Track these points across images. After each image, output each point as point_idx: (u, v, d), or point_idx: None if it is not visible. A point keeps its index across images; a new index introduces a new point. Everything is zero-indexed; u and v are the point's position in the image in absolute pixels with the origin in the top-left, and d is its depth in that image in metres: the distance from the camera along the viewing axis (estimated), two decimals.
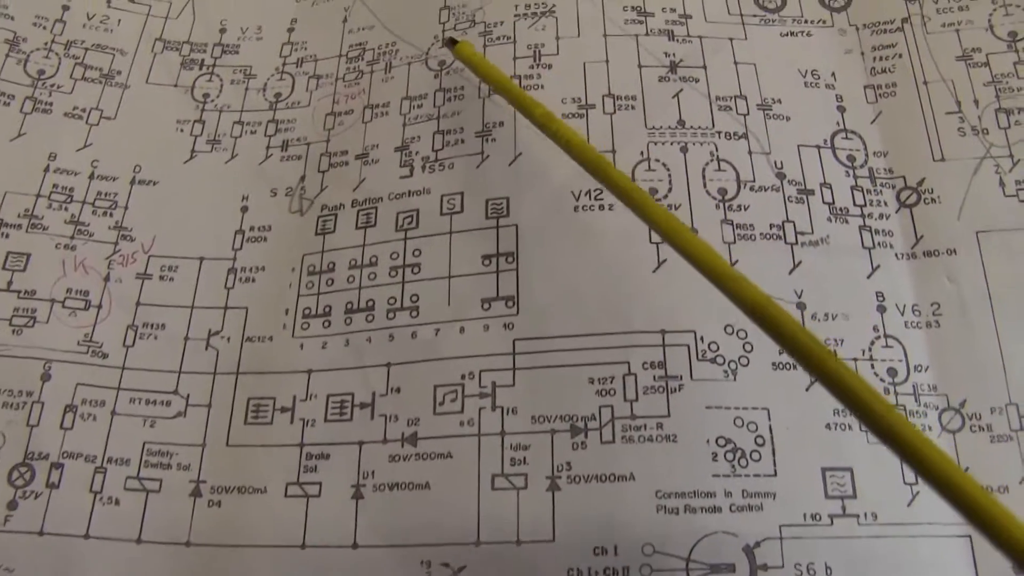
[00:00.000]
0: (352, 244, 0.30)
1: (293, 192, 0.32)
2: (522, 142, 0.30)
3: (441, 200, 0.30)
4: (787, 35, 0.33)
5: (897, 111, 0.31)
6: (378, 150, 0.32)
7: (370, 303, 0.29)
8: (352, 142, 0.32)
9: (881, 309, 0.28)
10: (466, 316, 0.28)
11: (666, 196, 0.29)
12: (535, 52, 0.32)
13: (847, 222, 0.29)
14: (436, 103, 0.32)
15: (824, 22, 0.33)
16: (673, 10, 0.33)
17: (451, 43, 0.31)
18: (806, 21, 0.33)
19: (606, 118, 0.30)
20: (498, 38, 0.32)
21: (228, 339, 0.30)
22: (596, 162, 0.24)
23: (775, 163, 0.30)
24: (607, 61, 0.31)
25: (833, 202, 0.29)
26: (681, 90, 0.31)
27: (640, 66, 0.31)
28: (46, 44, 0.34)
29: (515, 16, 0.33)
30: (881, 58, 0.32)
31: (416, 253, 0.29)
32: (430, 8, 0.34)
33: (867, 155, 0.30)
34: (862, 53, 0.32)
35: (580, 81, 0.31)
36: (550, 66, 0.31)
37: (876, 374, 0.27)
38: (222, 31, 0.36)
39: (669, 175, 0.29)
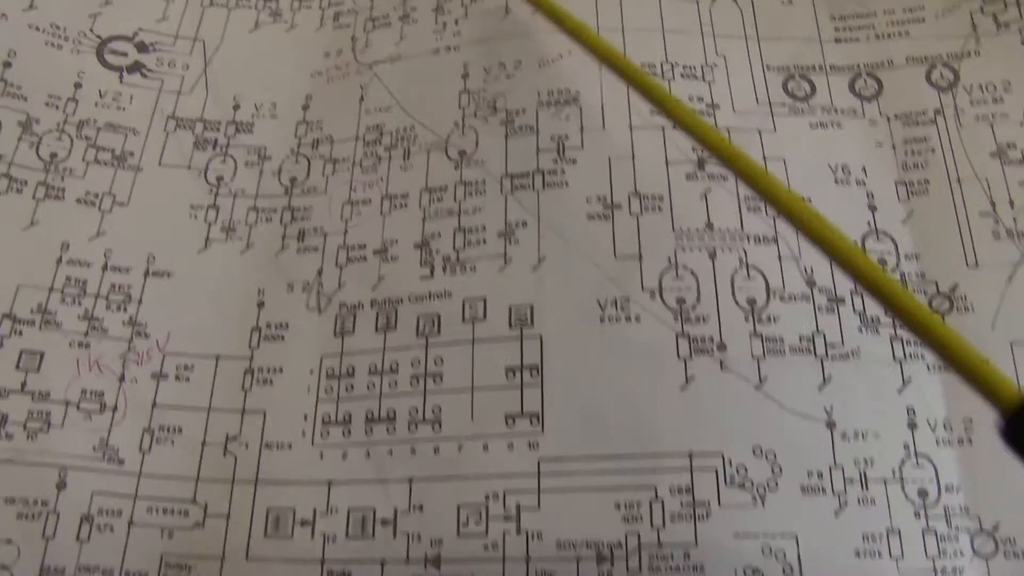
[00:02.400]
0: (372, 347, 0.30)
1: (310, 287, 0.31)
2: (546, 245, 0.30)
3: (463, 305, 0.29)
4: (817, 126, 0.32)
5: (930, 211, 0.30)
6: (397, 246, 0.31)
7: (391, 413, 0.28)
8: (370, 235, 0.31)
9: (912, 425, 0.27)
10: (490, 432, 0.27)
11: (694, 307, 0.28)
12: (559, 144, 0.31)
13: (878, 332, 0.28)
14: (456, 197, 0.31)
15: (855, 112, 0.32)
16: (700, 99, 0.32)
17: None
18: (836, 110, 0.32)
19: (632, 220, 0.30)
20: (520, 128, 0.31)
21: (246, 445, 0.29)
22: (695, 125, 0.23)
23: (805, 269, 0.29)
24: (633, 157, 0.31)
25: (864, 311, 0.29)
26: (709, 189, 0.30)
27: (667, 162, 0.30)
28: (58, 125, 0.33)
29: (538, 103, 0.32)
30: (913, 152, 0.31)
31: (438, 362, 0.29)
32: (449, 91, 0.33)
33: (899, 258, 0.30)
34: (893, 146, 0.32)
35: (606, 178, 0.30)
36: (575, 161, 0.31)
37: (906, 495, 0.27)
38: (235, 107, 0.35)
39: (697, 284, 0.29)
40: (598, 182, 0.30)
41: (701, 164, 0.30)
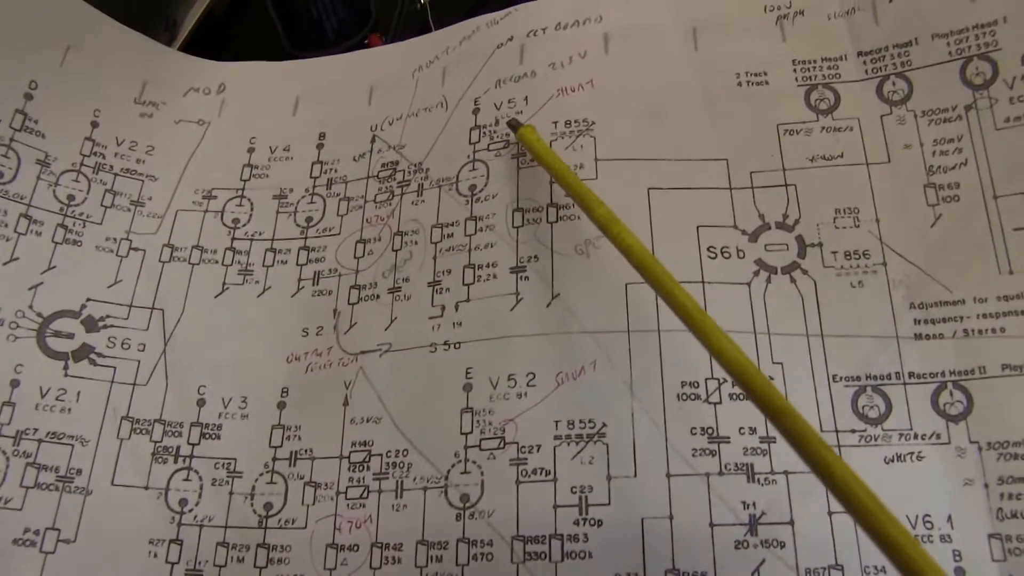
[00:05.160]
0: None
1: None
2: None
3: None
4: (892, 460, 0.26)
5: None
6: None
7: None
8: None
9: None
10: None
11: None
12: (581, 498, 0.26)
13: None
14: (459, 560, 0.26)
15: (938, 436, 0.26)
16: (753, 429, 0.26)
17: (514, 126, 0.29)
18: (916, 436, 0.26)
19: None
20: (535, 471, 0.26)
21: None
22: (655, 273, 0.22)
23: None
24: (671, 517, 0.25)
25: None
26: (763, 561, 0.25)
27: (712, 524, 0.25)
28: None
29: (555, 437, 0.26)
30: (1011, 496, 0.26)
31: None
32: (449, 408, 0.28)
33: None
34: (986, 485, 0.26)
35: (636, 549, 0.25)
36: (600, 522, 0.25)
37: None
38: (200, 403, 0.30)
39: None
40: (629, 553, 0.25)
41: (753, 527, 0.25)
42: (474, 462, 0.27)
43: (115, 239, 0.32)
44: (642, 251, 0.23)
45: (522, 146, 0.28)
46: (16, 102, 0.32)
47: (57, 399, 0.29)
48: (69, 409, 0.29)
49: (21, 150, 0.31)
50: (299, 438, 0.29)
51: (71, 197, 0.32)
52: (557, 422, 0.27)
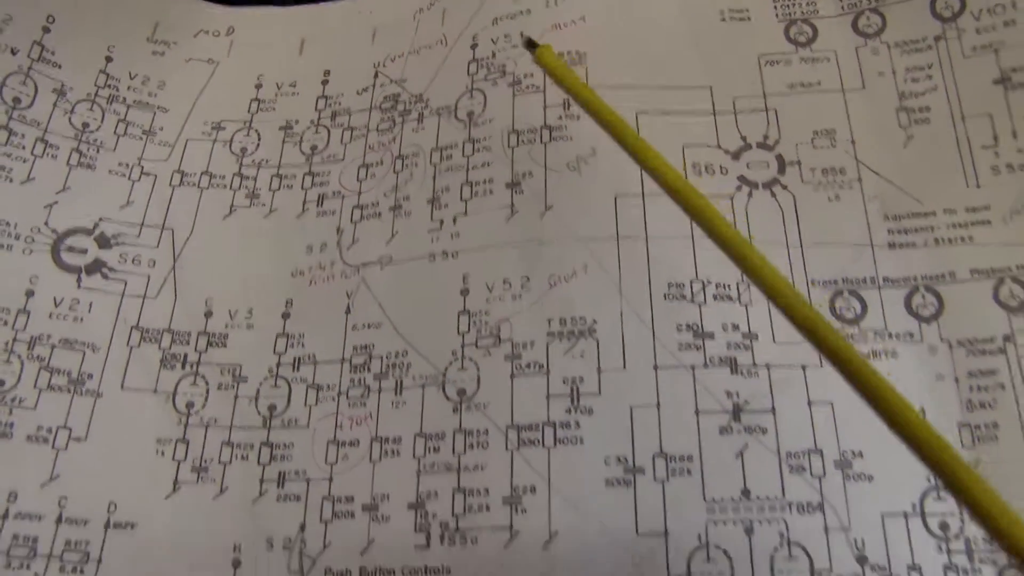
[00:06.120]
0: None
1: (292, 545, 0.27)
2: (558, 518, 0.26)
3: None
4: (869, 356, 0.28)
5: (1000, 462, 0.26)
6: (389, 503, 0.27)
7: None
8: (359, 486, 0.28)
9: None
10: None
11: None
12: (572, 388, 0.27)
13: None
14: (456, 448, 0.27)
15: (912, 336, 0.28)
16: (736, 327, 0.28)
17: (530, 45, 0.28)
18: (891, 335, 0.28)
19: (657, 487, 0.26)
20: (529, 365, 0.27)
21: None
22: (697, 208, 0.21)
23: (855, 542, 0.25)
24: (658, 405, 0.26)
25: None
26: (746, 446, 0.26)
27: (698, 412, 0.26)
28: (6, 345, 0.29)
29: (548, 335, 0.28)
30: (978, 388, 0.27)
31: None
32: (447, 311, 0.29)
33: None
34: (956, 379, 0.27)
35: (626, 435, 0.26)
36: (591, 410, 0.27)
37: None
38: (207, 315, 0.31)
39: (731, 567, 0.25)
40: (618, 439, 0.26)
41: (736, 414, 0.26)
42: (470, 359, 0.28)
43: (127, 164, 0.33)
44: (675, 177, 0.22)
45: (540, 65, 0.28)
46: (34, 34, 0.33)
47: (70, 308, 0.30)
48: (81, 319, 0.30)
49: (39, 79, 0.33)
50: (303, 345, 0.30)
51: (86, 124, 0.33)
52: (550, 320, 0.28)
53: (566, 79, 0.27)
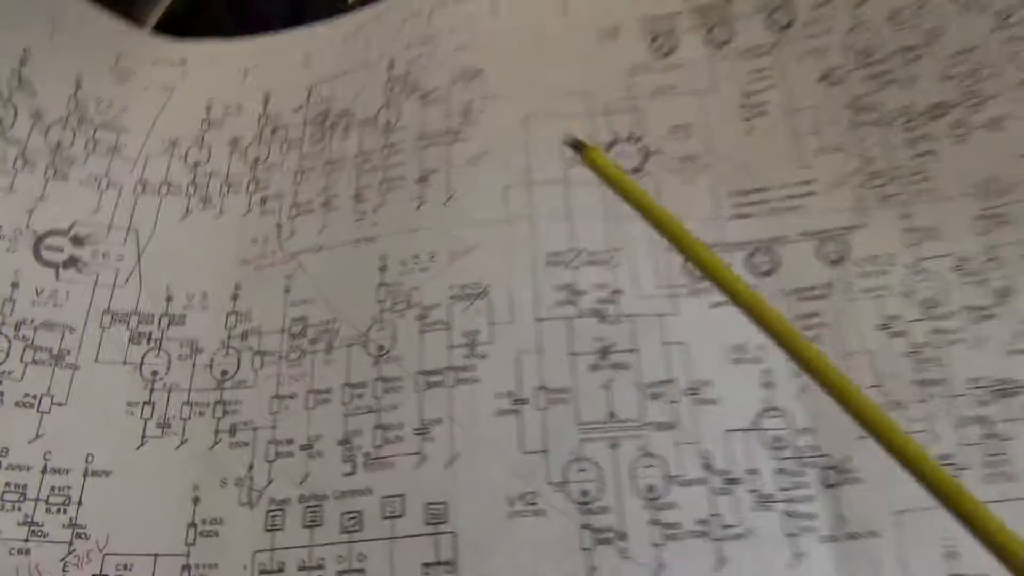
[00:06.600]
0: (300, 544, 0.31)
1: (243, 482, 0.33)
2: (459, 442, 0.31)
3: (382, 503, 0.31)
4: (716, 306, 0.34)
5: None
6: (322, 441, 0.33)
7: None
8: (297, 430, 0.33)
9: None
10: None
11: (599, 499, 0.30)
12: (471, 340, 0.33)
13: (771, 509, 0.30)
14: (376, 394, 0.33)
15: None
16: (604, 286, 0.34)
17: (577, 146, 0.27)
18: None
19: (539, 414, 0.31)
20: (435, 323, 0.33)
21: None
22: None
23: (703, 452, 0.31)
24: (540, 351, 0.32)
25: (758, 490, 0.30)
26: (613, 379, 0.32)
27: (571, 354, 0.32)
28: None
29: (450, 298, 0.34)
30: (807, 327, 0.33)
31: (361, 558, 0.31)
32: (368, 284, 0.35)
33: (793, 433, 0.31)
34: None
35: (514, 374, 0.32)
36: (485, 355, 0.32)
37: None
38: (168, 299, 0.37)
39: (600, 475, 0.30)
40: (507, 377, 0.32)
41: (604, 354, 0.32)
42: (388, 321, 0.34)
43: (96, 177, 0.39)
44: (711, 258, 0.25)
45: (591, 169, 0.27)
46: (13, 64, 0.39)
47: (50, 297, 0.36)
48: (60, 305, 0.36)
49: (18, 104, 0.39)
50: (249, 320, 0.36)
51: (59, 143, 0.39)
52: (451, 286, 0.34)
53: (620, 182, 0.27)
